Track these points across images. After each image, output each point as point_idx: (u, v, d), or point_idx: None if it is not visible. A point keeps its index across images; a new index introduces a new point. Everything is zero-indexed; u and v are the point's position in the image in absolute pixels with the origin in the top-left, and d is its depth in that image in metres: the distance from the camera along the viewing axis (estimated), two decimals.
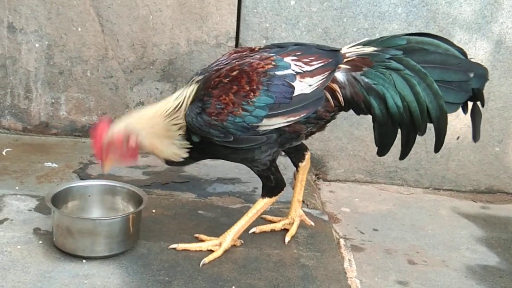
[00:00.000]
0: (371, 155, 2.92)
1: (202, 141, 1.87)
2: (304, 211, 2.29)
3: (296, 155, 2.15)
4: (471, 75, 1.84)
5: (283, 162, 2.21)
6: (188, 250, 1.98)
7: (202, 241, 2.03)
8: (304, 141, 2.12)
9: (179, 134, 1.88)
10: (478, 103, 1.92)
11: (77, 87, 2.95)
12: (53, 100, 2.97)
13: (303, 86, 1.84)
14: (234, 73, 1.83)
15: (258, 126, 1.83)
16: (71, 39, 2.88)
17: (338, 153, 3.01)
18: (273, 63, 1.85)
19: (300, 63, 1.85)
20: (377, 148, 1.98)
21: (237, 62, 1.87)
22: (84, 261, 1.85)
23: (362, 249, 2.31)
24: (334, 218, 2.57)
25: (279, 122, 1.83)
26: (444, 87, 1.84)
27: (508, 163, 2.99)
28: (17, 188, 2.36)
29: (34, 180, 2.46)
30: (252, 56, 1.90)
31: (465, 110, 1.92)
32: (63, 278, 1.76)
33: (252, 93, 1.80)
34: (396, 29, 2.81)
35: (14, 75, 2.92)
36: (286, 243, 2.10)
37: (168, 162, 1.95)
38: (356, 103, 1.90)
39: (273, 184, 1.99)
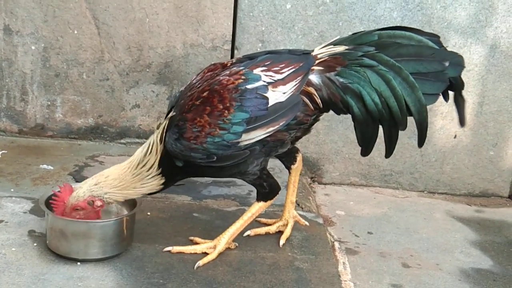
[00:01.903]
0: (366, 158, 2.92)
1: (186, 164, 1.87)
2: (299, 214, 2.29)
3: (288, 158, 2.14)
4: (447, 64, 1.80)
5: (279, 165, 2.21)
6: (183, 252, 1.97)
7: (196, 243, 2.03)
8: (297, 145, 2.12)
9: (151, 173, 1.90)
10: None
11: (73, 89, 2.96)
12: (49, 103, 2.97)
13: (277, 95, 1.82)
14: (205, 93, 1.83)
15: (238, 142, 1.82)
16: (67, 42, 2.89)
17: (333, 156, 3.02)
18: (243, 77, 1.83)
19: (270, 73, 1.84)
20: (360, 148, 1.96)
21: (205, 83, 1.87)
22: (78, 263, 1.85)
23: (356, 252, 2.31)
24: (329, 221, 2.58)
25: (258, 134, 1.82)
26: (420, 78, 1.81)
27: (502, 167, 3.01)
28: (12, 190, 2.36)
29: (30, 182, 2.46)
30: (223, 73, 1.88)
31: (446, 98, 1.88)
32: (58, 281, 1.76)
33: (226, 111, 1.79)
34: None
35: (10, 78, 2.93)
36: (280, 246, 2.10)
37: (150, 194, 1.97)
38: (334, 104, 1.88)
39: (267, 190, 1.99)
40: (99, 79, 2.95)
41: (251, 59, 1.93)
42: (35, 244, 1.94)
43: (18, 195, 2.31)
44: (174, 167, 1.89)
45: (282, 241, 2.12)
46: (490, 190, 3.04)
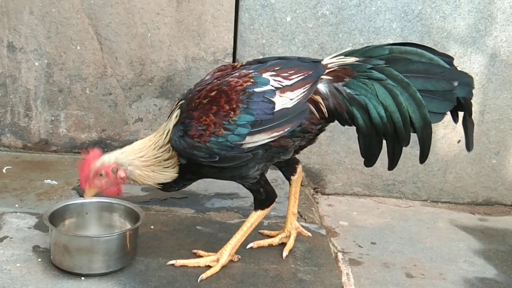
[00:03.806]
0: (369, 168, 2.92)
1: (189, 162, 1.89)
2: (302, 225, 2.30)
3: (288, 169, 2.15)
4: (455, 83, 1.81)
5: (281, 177, 2.22)
6: (186, 266, 1.98)
7: (200, 257, 2.04)
8: (299, 155, 2.12)
9: (170, 159, 1.90)
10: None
11: (77, 104, 2.98)
12: (52, 118, 3.00)
13: (284, 101, 1.83)
14: (213, 93, 1.84)
15: (242, 144, 1.82)
16: (70, 58, 2.91)
17: (336, 166, 3.03)
18: (252, 80, 1.84)
19: (279, 78, 1.85)
20: (363, 159, 1.97)
21: (216, 82, 1.88)
22: (82, 278, 1.86)
23: (360, 262, 2.31)
24: (332, 232, 2.59)
25: (262, 138, 1.83)
26: (428, 96, 1.82)
27: (505, 175, 3.01)
28: (17, 205, 2.38)
29: (34, 197, 2.48)
30: (232, 74, 1.90)
31: (455, 120, 1.90)
32: None
33: (232, 112, 1.80)
34: None
35: (14, 94, 2.96)
36: (283, 258, 2.11)
37: (165, 186, 1.97)
38: (339, 114, 1.89)
39: (264, 197, 1.99)
40: (102, 94, 2.97)
41: (261, 63, 1.95)
42: (39, 260, 1.95)
43: (23, 210, 2.33)
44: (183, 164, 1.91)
45: (285, 253, 2.12)
46: (493, 198, 3.04)
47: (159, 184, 1.95)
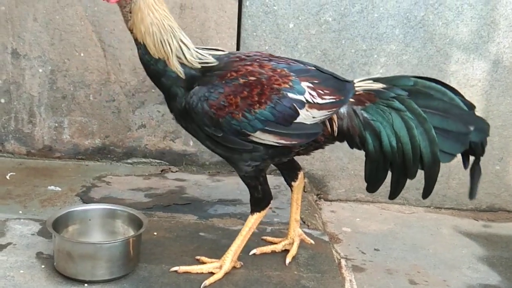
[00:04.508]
0: None
1: (191, 119, 1.85)
2: (304, 232, 2.30)
3: (289, 173, 2.15)
4: (471, 128, 1.81)
5: (284, 183, 2.22)
6: (189, 272, 1.98)
7: (203, 263, 2.04)
8: (301, 161, 2.13)
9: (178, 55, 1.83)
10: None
11: (80, 111, 2.99)
12: (56, 124, 3.01)
13: (307, 116, 1.83)
14: (252, 78, 1.81)
15: (249, 135, 1.83)
16: (74, 64, 2.93)
17: (339, 173, 3.02)
18: (290, 83, 1.83)
19: (314, 93, 1.84)
20: (366, 183, 1.98)
21: (257, 67, 1.84)
22: (85, 285, 1.86)
23: (363, 269, 2.31)
24: (336, 238, 2.58)
25: (270, 139, 1.84)
26: (442, 135, 1.82)
27: (508, 181, 3.00)
28: (20, 212, 2.39)
29: (38, 204, 2.48)
30: (272, 66, 1.87)
31: (465, 165, 1.90)
32: None
33: (258, 105, 1.80)
34: (394, 50, 2.84)
35: (18, 100, 2.97)
36: (286, 264, 2.10)
37: (152, 72, 1.87)
38: (351, 136, 1.90)
39: (260, 195, 1.98)
40: (106, 100, 2.98)
41: (302, 64, 1.93)
42: (43, 266, 1.95)
43: (26, 217, 2.33)
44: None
45: (288, 260, 2.12)
46: (497, 204, 3.03)
47: (149, 59, 1.84)
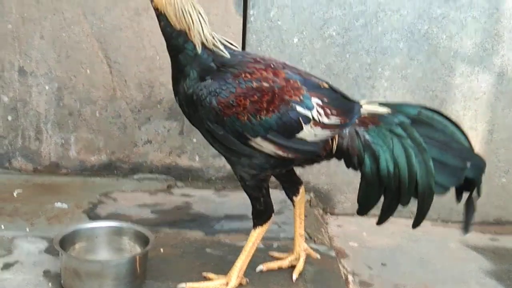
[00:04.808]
0: None
1: (194, 108, 1.84)
2: (311, 247, 2.29)
3: (290, 188, 2.15)
4: (468, 164, 1.84)
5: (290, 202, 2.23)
6: None
7: (210, 280, 2.04)
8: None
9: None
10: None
11: (86, 127, 3.01)
12: (63, 141, 3.02)
13: (309, 133, 1.84)
14: (265, 84, 1.80)
15: (249, 139, 1.83)
16: (80, 81, 2.95)
17: (345, 187, 3.02)
18: (301, 97, 1.83)
19: (322, 111, 1.84)
20: (358, 205, 1.99)
21: (272, 74, 1.83)
22: None
23: (370, 284, 2.30)
24: (342, 253, 2.58)
25: (268, 148, 1.84)
26: (439, 167, 1.84)
27: None
28: (27, 229, 2.39)
29: (45, 221, 2.49)
30: (287, 73, 1.86)
31: (458, 198, 1.92)
32: None
33: (265, 112, 1.80)
34: (399, 63, 2.85)
35: (25, 117, 2.99)
36: (293, 281, 2.10)
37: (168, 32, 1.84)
38: (349, 156, 1.91)
39: (262, 208, 1.97)
40: (112, 117, 3.00)
41: (315, 78, 1.93)
42: (50, 284, 1.96)
43: (33, 234, 2.34)
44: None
45: (295, 276, 2.11)
46: (504, 217, 3.02)
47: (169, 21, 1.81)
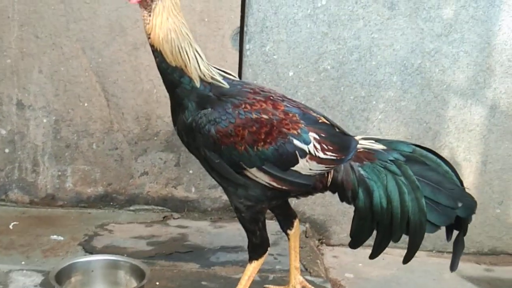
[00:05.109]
0: None
1: (190, 131, 1.87)
2: (307, 279, 2.30)
3: (285, 221, 2.16)
4: (459, 204, 1.88)
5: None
6: None
7: None
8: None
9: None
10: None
11: (83, 159, 3.03)
12: (59, 173, 3.04)
13: (304, 166, 1.86)
14: (264, 117, 1.83)
15: (245, 169, 1.85)
16: (77, 114, 2.98)
17: (340, 217, 3.04)
18: (298, 131, 1.86)
19: (318, 146, 1.87)
20: (350, 239, 2.02)
21: (271, 107, 1.86)
22: None
23: None
24: (338, 285, 2.58)
25: (263, 179, 1.86)
26: (431, 206, 1.88)
27: (510, 225, 3.01)
28: (23, 263, 2.39)
29: (40, 254, 2.49)
30: (285, 105, 1.90)
31: (448, 237, 1.96)
32: None
33: (262, 143, 1.82)
34: (392, 96, 2.90)
35: (22, 150, 3.01)
36: None
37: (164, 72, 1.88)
38: (343, 190, 1.94)
39: (258, 242, 1.98)
40: (109, 149, 3.03)
41: (313, 112, 1.96)
42: None
43: (29, 268, 2.33)
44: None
45: None
46: (498, 248, 3.03)
47: (165, 59, 1.83)
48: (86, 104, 2.97)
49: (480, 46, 2.85)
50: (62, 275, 2.00)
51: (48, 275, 2.18)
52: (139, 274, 2.05)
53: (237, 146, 1.82)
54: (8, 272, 2.28)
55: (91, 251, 2.53)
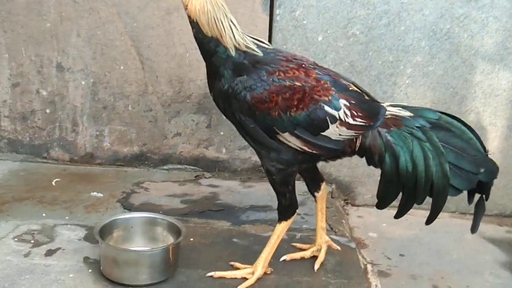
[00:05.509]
0: None
1: (226, 97, 1.94)
2: (332, 239, 2.40)
3: (313, 184, 2.26)
4: (482, 170, 1.93)
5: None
6: (224, 277, 2.10)
7: (237, 269, 2.16)
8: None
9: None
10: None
11: (120, 120, 3.16)
12: (97, 133, 3.18)
13: (334, 132, 1.94)
14: (297, 84, 1.90)
15: (278, 133, 1.93)
16: (114, 77, 3.10)
17: (365, 179, 3.13)
18: (329, 97, 1.92)
19: (348, 112, 1.94)
20: (377, 200, 2.11)
21: (303, 74, 1.93)
22: None
23: (388, 274, 2.41)
24: (362, 244, 2.68)
25: (294, 143, 1.94)
26: (454, 171, 1.94)
27: None
28: (67, 217, 2.54)
29: (82, 209, 2.64)
30: (317, 73, 1.96)
31: (470, 200, 2.02)
32: None
33: (295, 109, 1.90)
34: (420, 61, 2.93)
35: (62, 110, 3.15)
36: (315, 271, 2.21)
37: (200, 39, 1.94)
38: (371, 154, 2.01)
39: (287, 203, 2.08)
40: (143, 110, 3.15)
41: (344, 80, 2.02)
42: (90, 271, 2.11)
43: (73, 222, 2.49)
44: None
45: (316, 266, 2.23)
46: None
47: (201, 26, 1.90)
48: (122, 67, 3.08)
49: (509, 12, 2.85)
50: (104, 231, 2.13)
51: (90, 230, 2.35)
52: (175, 231, 2.17)
53: (271, 111, 1.90)
54: (54, 226, 2.43)
55: (129, 207, 2.68)
